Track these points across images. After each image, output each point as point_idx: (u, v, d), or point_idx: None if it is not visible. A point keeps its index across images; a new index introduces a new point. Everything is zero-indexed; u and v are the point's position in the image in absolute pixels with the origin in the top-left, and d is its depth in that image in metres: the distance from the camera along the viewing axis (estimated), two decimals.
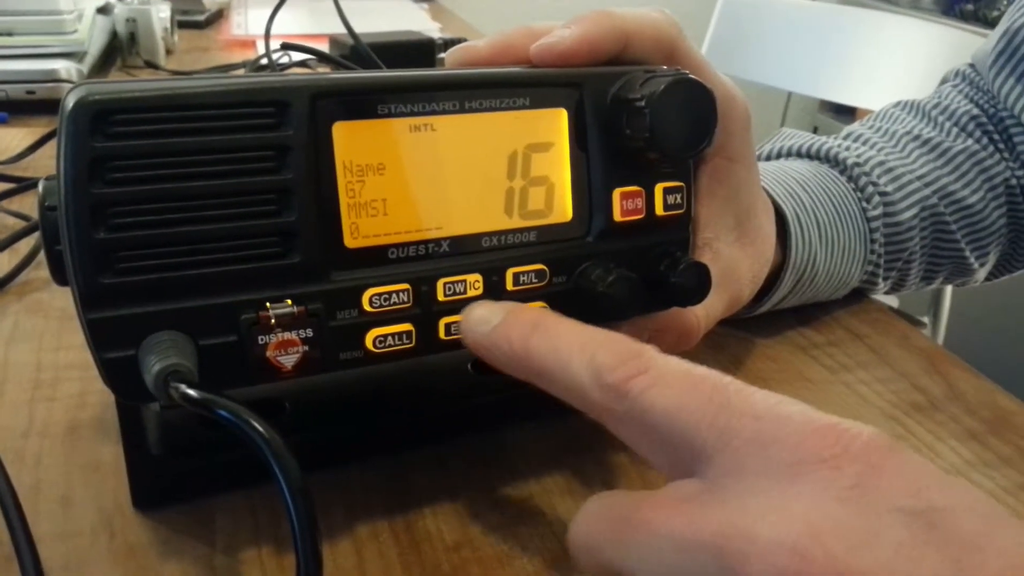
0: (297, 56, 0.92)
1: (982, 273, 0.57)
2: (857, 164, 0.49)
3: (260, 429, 0.23)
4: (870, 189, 0.49)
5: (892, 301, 0.93)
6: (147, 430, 0.31)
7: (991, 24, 1.83)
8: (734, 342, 0.46)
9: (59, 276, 0.26)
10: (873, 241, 0.48)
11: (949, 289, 1.09)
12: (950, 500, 0.20)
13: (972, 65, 0.59)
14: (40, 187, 0.27)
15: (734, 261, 0.38)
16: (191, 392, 0.24)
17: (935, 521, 0.20)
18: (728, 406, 0.23)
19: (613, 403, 0.24)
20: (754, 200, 0.39)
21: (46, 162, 0.69)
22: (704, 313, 0.36)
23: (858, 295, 0.52)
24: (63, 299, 0.43)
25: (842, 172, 0.49)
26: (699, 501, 0.22)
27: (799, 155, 0.52)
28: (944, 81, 0.61)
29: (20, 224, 0.56)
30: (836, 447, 0.21)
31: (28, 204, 0.60)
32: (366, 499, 0.34)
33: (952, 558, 0.19)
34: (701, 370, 0.24)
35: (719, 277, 0.35)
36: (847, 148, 0.51)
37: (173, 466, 0.32)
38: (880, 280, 0.51)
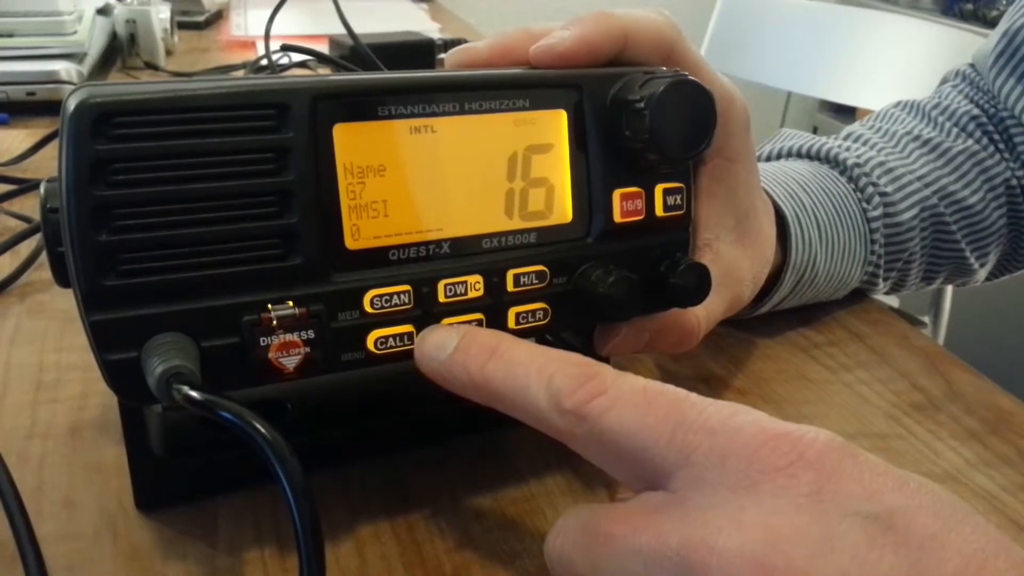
0: (297, 57, 0.92)
1: (982, 273, 0.57)
2: (857, 164, 0.49)
3: (262, 430, 0.23)
4: (870, 190, 0.49)
5: (892, 301, 0.93)
6: (149, 431, 0.31)
7: (990, 24, 1.83)
8: (734, 342, 0.46)
9: (61, 278, 0.27)
10: (873, 242, 0.49)
11: (949, 289, 1.09)
12: (906, 500, 0.21)
13: (972, 65, 0.59)
14: (42, 189, 0.27)
15: (734, 262, 0.38)
16: (194, 394, 0.24)
17: (892, 523, 0.20)
18: (684, 423, 0.23)
19: (572, 427, 0.25)
20: (754, 200, 0.39)
21: (47, 163, 0.69)
22: (704, 314, 0.36)
23: (858, 295, 0.52)
24: (65, 300, 0.43)
25: (842, 173, 0.50)
26: (663, 514, 0.23)
27: (799, 156, 0.52)
28: (944, 81, 0.61)
29: (21, 226, 0.56)
30: (791, 455, 0.22)
31: (29, 206, 0.60)
32: (368, 499, 0.34)
33: (910, 560, 0.19)
34: (657, 387, 0.25)
35: (719, 278, 0.35)
36: (847, 148, 0.51)
37: (175, 467, 0.33)
38: (880, 280, 0.51)
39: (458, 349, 0.28)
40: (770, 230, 0.41)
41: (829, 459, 0.21)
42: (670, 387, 0.25)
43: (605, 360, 0.32)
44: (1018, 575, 0.19)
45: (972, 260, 0.54)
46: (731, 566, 0.20)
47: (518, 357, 0.27)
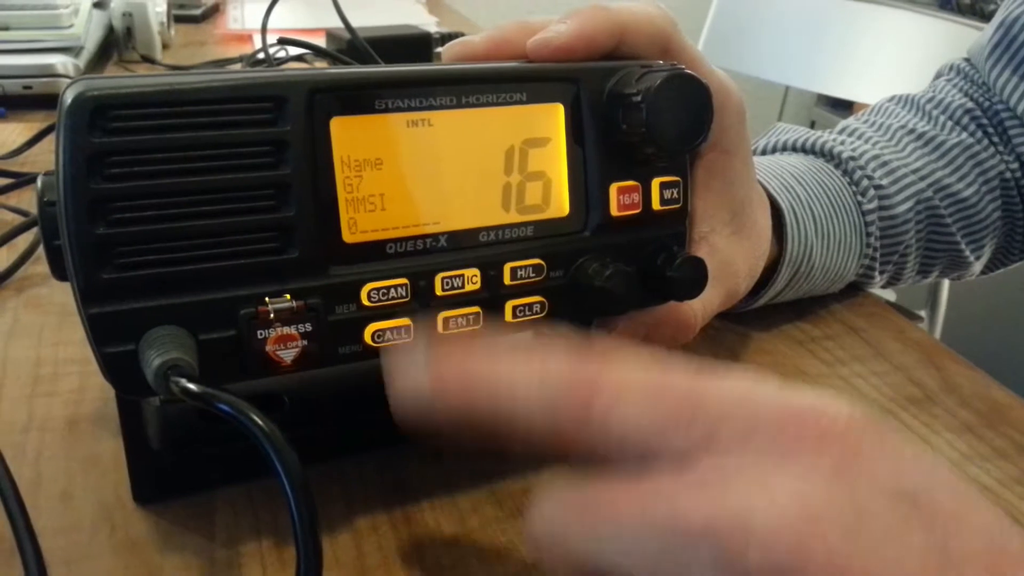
0: (294, 51, 0.92)
1: (978, 266, 0.57)
2: (852, 158, 0.50)
3: (260, 423, 0.23)
4: (865, 183, 0.49)
5: (889, 295, 0.93)
6: (147, 424, 0.31)
7: (987, 17, 1.83)
8: (731, 336, 0.46)
9: (58, 271, 0.27)
10: (869, 235, 0.49)
11: (946, 283, 1.10)
12: (927, 479, 0.20)
13: (967, 59, 0.59)
14: (39, 183, 0.27)
15: (730, 255, 0.38)
16: (191, 386, 0.24)
17: (917, 501, 0.20)
18: (700, 415, 0.22)
19: (576, 433, 0.22)
20: (749, 193, 0.39)
21: (44, 157, 0.69)
22: (701, 307, 0.36)
23: (854, 289, 0.52)
24: (62, 294, 0.43)
25: (837, 166, 0.50)
26: (681, 486, 0.21)
27: (794, 150, 0.52)
28: (939, 75, 0.61)
29: (18, 219, 0.56)
30: (816, 429, 0.21)
31: (26, 199, 0.60)
32: (365, 492, 0.34)
33: (937, 537, 0.19)
34: (661, 376, 0.23)
35: (715, 271, 0.35)
36: (842, 142, 0.51)
37: (173, 460, 0.33)
38: (876, 274, 0.51)
39: (433, 378, 0.25)
40: (765, 223, 0.41)
41: (853, 435, 0.21)
42: (673, 371, 0.23)
43: None
44: None
45: (967, 253, 0.54)
46: (769, 544, 0.19)
47: (501, 371, 0.24)
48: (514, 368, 0.24)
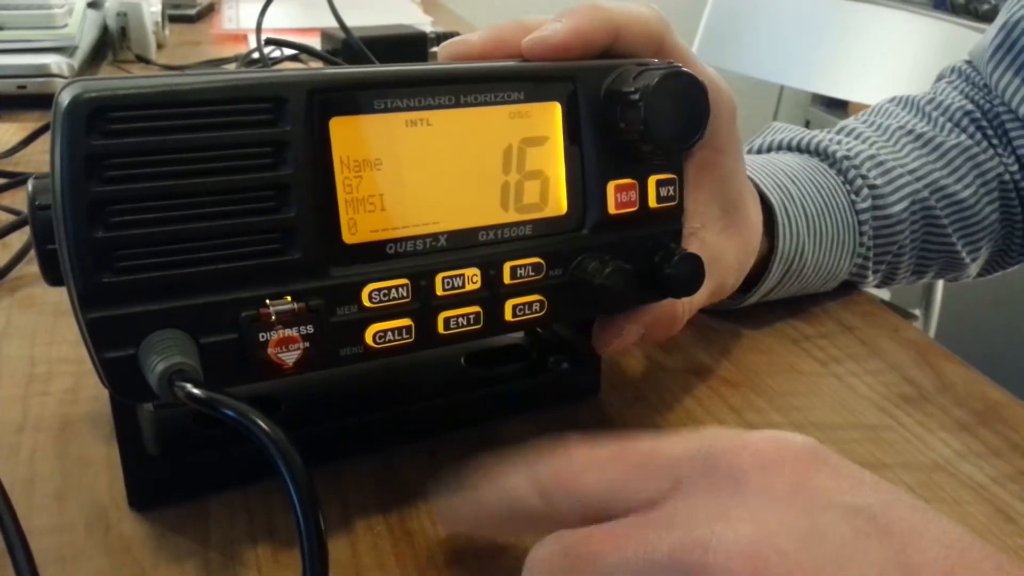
0: (290, 50, 0.92)
1: (974, 268, 0.57)
2: (847, 157, 0.50)
3: (266, 427, 0.23)
4: (859, 182, 0.49)
5: (884, 294, 0.93)
6: (143, 430, 0.31)
7: (982, 17, 1.83)
8: (725, 334, 0.46)
9: (51, 276, 0.26)
10: (862, 234, 0.49)
11: (941, 283, 1.10)
12: (883, 496, 0.21)
13: (969, 62, 0.60)
14: (29, 186, 0.26)
15: (719, 250, 0.38)
16: (197, 391, 0.24)
17: (873, 514, 0.20)
18: (654, 469, 0.24)
19: (547, 508, 0.25)
20: (741, 189, 0.39)
21: (38, 157, 0.69)
22: (688, 300, 0.37)
23: (849, 288, 0.52)
24: (56, 294, 0.42)
25: (831, 165, 0.50)
26: (648, 525, 0.23)
27: (789, 149, 0.52)
28: (940, 78, 0.61)
29: (12, 219, 0.56)
30: (771, 454, 0.22)
31: (20, 199, 0.60)
32: (360, 492, 0.34)
33: (894, 548, 0.20)
34: (619, 444, 0.25)
35: (707, 264, 0.35)
36: (837, 142, 0.52)
37: (169, 465, 0.32)
38: (870, 273, 0.51)
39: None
40: (757, 218, 0.41)
41: (808, 458, 0.22)
42: (635, 439, 0.25)
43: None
44: (993, 565, 0.19)
45: (964, 254, 0.54)
46: (728, 561, 0.20)
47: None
48: (513, 489, 0.27)
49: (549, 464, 0.26)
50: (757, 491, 0.22)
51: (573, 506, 0.25)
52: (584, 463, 0.25)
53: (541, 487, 0.26)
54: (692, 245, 0.36)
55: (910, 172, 0.51)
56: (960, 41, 1.08)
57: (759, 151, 0.54)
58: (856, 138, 0.53)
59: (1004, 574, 0.19)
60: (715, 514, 0.21)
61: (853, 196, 0.49)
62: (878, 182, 0.50)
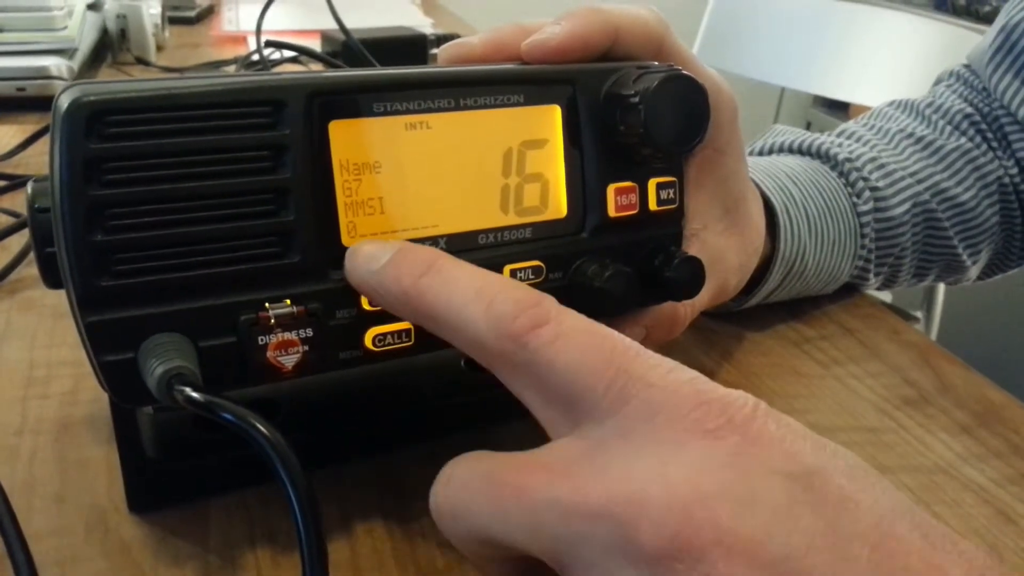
0: (289, 52, 0.92)
1: (974, 271, 0.57)
2: (848, 160, 0.50)
3: (265, 432, 0.23)
4: (860, 184, 0.49)
5: (885, 297, 0.93)
6: (142, 433, 0.31)
7: (983, 19, 1.83)
8: (725, 336, 0.46)
9: (50, 279, 0.26)
10: (863, 236, 0.49)
11: (942, 285, 1.10)
12: (822, 462, 0.21)
13: (967, 65, 0.59)
14: (29, 189, 0.26)
15: (721, 251, 0.38)
16: (196, 395, 0.24)
17: (810, 484, 0.20)
18: (627, 370, 0.23)
19: (510, 353, 0.24)
20: (743, 190, 0.39)
21: (37, 159, 0.69)
22: (690, 302, 0.36)
23: (849, 290, 0.52)
24: (55, 296, 0.42)
25: (833, 167, 0.50)
26: (584, 465, 0.22)
27: (790, 151, 0.52)
28: (939, 81, 0.61)
29: (11, 221, 0.56)
30: (720, 418, 0.22)
31: (19, 202, 0.60)
32: (360, 495, 0.34)
33: (826, 519, 0.20)
34: (603, 330, 0.24)
35: (707, 265, 0.35)
36: (839, 145, 0.52)
37: (168, 468, 0.32)
38: (871, 276, 0.51)
39: (391, 262, 0.26)
40: (759, 220, 0.41)
41: (754, 422, 0.22)
42: (616, 333, 0.24)
43: None
44: (920, 535, 0.20)
45: (964, 257, 0.54)
46: (661, 520, 0.20)
47: (457, 275, 0.25)
48: (473, 274, 0.25)
49: (526, 301, 0.24)
50: (700, 452, 0.21)
51: (523, 360, 0.23)
52: (564, 327, 0.24)
53: (502, 320, 0.24)
54: (693, 246, 0.36)
55: (911, 175, 0.51)
56: (961, 43, 1.08)
57: (760, 153, 0.54)
58: (857, 141, 0.53)
59: (929, 543, 0.19)
60: (654, 472, 0.21)
61: (855, 198, 0.49)
62: (879, 184, 0.50)
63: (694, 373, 0.23)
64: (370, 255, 0.27)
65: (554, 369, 0.23)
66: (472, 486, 0.23)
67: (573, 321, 0.24)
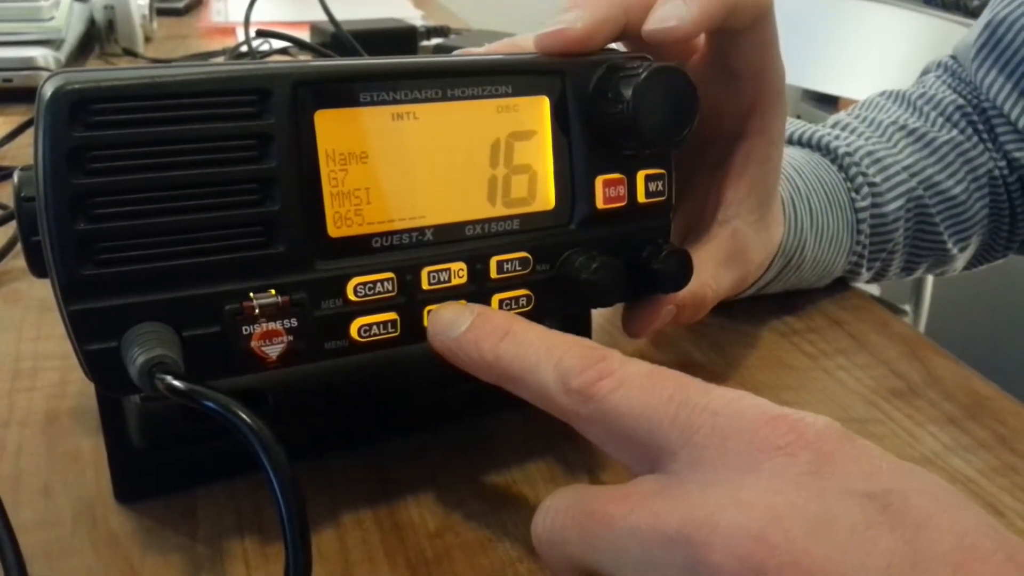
0: (278, 43, 0.92)
1: (960, 262, 0.57)
2: (848, 154, 0.50)
3: (247, 420, 0.23)
4: (859, 179, 0.49)
5: (873, 289, 0.93)
6: (128, 422, 0.31)
7: (971, 13, 1.84)
8: (715, 329, 0.46)
9: (37, 268, 0.26)
10: (859, 232, 0.49)
11: (930, 278, 1.10)
12: (901, 483, 0.21)
13: (954, 57, 0.59)
14: (15, 178, 0.26)
15: (749, 243, 0.38)
16: (177, 383, 0.24)
17: (888, 503, 0.20)
18: (688, 404, 0.24)
19: (579, 406, 0.25)
20: (776, 188, 0.39)
21: (24, 151, 0.68)
22: (716, 286, 0.37)
23: (839, 283, 0.52)
24: (42, 288, 0.42)
25: (833, 161, 0.50)
26: (662, 495, 0.23)
27: (790, 142, 0.52)
28: (926, 72, 0.61)
29: None
30: (790, 435, 0.22)
31: (5, 193, 0.59)
32: (349, 487, 0.34)
33: (905, 539, 0.19)
34: (663, 371, 0.25)
35: (734, 254, 0.35)
36: (836, 137, 0.51)
37: (155, 458, 0.32)
38: (863, 271, 0.51)
39: (471, 328, 0.28)
40: (781, 218, 0.41)
41: (828, 441, 0.22)
42: (676, 372, 0.25)
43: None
44: (1005, 555, 0.19)
45: (954, 251, 0.55)
46: (733, 542, 0.20)
47: (529, 338, 0.27)
48: (543, 336, 0.27)
49: (589, 358, 0.26)
50: (772, 470, 0.21)
51: (589, 413, 0.25)
52: (623, 376, 0.25)
53: (568, 383, 0.25)
54: (723, 232, 0.36)
55: (905, 168, 0.51)
56: (950, 36, 1.08)
57: None
58: (852, 133, 0.53)
59: (1015, 564, 0.19)
60: (728, 492, 0.21)
61: (853, 194, 0.49)
62: (877, 180, 0.50)
63: (759, 399, 0.24)
64: (451, 322, 0.29)
65: (620, 415, 0.25)
66: (564, 516, 0.25)
67: (635, 367, 0.25)
